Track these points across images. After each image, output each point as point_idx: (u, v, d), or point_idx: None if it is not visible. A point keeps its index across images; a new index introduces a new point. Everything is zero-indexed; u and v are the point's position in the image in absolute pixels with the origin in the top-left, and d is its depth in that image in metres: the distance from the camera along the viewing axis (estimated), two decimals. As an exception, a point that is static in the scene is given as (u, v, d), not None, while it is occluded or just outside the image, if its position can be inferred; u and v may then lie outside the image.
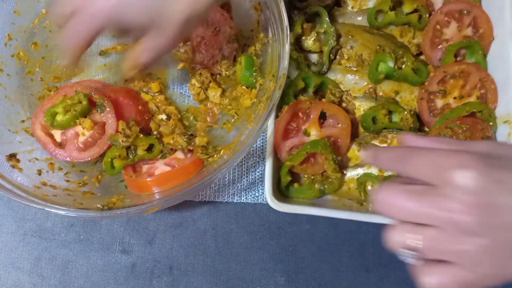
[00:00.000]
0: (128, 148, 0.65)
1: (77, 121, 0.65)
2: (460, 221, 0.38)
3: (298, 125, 0.69)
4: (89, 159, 0.66)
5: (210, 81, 0.72)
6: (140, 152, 0.66)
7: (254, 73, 0.67)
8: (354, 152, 0.71)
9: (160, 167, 0.66)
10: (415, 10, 0.74)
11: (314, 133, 0.68)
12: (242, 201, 0.71)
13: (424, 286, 0.42)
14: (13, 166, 0.64)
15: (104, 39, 0.76)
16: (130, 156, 0.66)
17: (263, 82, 0.66)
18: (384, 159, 0.45)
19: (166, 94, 0.75)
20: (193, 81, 0.73)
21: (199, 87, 0.73)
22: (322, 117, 0.69)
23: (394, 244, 0.42)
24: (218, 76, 0.73)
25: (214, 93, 0.72)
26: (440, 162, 0.40)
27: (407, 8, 0.74)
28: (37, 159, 0.67)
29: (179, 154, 0.67)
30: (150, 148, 0.66)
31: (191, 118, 0.73)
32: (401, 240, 0.41)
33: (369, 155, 0.47)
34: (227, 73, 0.72)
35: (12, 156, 0.65)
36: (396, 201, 0.41)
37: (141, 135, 0.66)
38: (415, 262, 0.42)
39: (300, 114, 0.68)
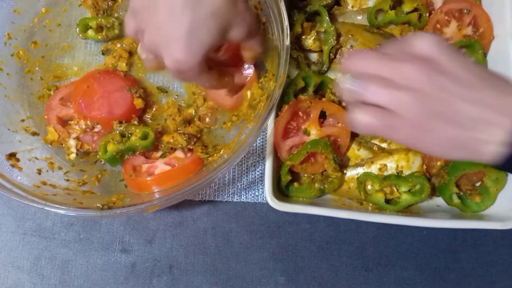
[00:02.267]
0: (123, 136, 0.66)
1: None
2: (407, 72, 0.46)
3: (298, 125, 0.69)
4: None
5: None
6: (134, 138, 0.66)
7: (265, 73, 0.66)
8: (354, 151, 0.71)
9: (160, 166, 0.66)
10: (415, 9, 0.74)
11: (314, 133, 0.68)
12: (242, 200, 0.71)
13: (355, 121, 0.48)
14: (12, 165, 0.64)
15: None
16: (123, 141, 0.66)
17: (265, 82, 0.66)
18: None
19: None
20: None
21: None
22: (322, 116, 0.69)
23: (346, 69, 0.50)
24: None
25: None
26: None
27: (407, 7, 0.74)
28: (36, 158, 0.67)
29: (179, 153, 0.67)
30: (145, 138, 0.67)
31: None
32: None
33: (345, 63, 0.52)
34: None
35: (11, 155, 0.65)
36: (362, 59, 0.49)
37: (136, 123, 0.67)
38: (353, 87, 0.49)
39: (300, 113, 0.68)
